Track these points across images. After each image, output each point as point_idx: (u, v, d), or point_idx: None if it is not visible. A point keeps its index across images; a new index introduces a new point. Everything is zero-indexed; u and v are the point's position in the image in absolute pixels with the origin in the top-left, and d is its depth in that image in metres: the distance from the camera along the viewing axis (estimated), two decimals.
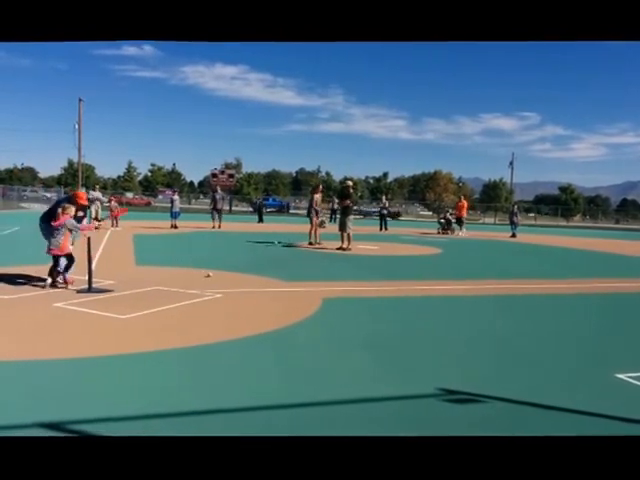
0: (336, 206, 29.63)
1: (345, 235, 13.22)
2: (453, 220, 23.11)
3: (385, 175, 77.47)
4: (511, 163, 51.20)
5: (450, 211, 25.45)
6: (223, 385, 3.73)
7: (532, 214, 58.94)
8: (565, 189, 72.57)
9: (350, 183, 14.92)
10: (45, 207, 9.95)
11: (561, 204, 61.14)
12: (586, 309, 7.17)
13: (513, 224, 23.50)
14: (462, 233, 22.43)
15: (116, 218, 18.29)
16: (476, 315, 6.48)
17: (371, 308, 6.56)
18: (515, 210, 24.68)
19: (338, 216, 15.87)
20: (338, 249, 13.11)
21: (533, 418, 3.32)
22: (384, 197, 27.57)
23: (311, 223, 14.42)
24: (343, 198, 13.78)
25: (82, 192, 9.35)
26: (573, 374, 4.26)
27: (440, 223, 23.26)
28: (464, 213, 23.39)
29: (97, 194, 20.25)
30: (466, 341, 5.12)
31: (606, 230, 38.62)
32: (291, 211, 47.64)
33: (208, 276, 8.10)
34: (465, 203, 23.69)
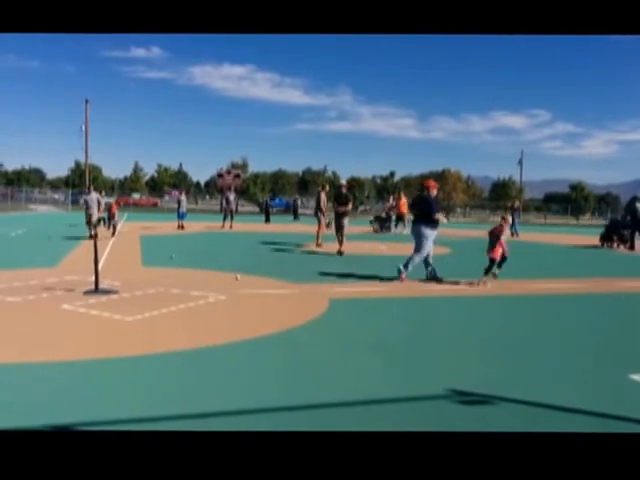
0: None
1: (339, 237, 12.44)
2: (385, 216, 22.01)
3: (392, 174, 77.31)
4: (520, 161, 50.78)
5: (385, 208, 24.34)
6: (231, 385, 3.70)
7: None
8: (575, 187, 71.97)
9: (344, 182, 13.64)
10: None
11: (571, 202, 60.60)
12: (599, 309, 7.06)
13: (513, 222, 22.88)
14: (405, 231, 20.95)
15: (114, 226, 16.13)
16: (486, 315, 6.39)
17: (379, 309, 6.50)
18: (516, 206, 24.10)
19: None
20: (338, 253, 12.20)
21: (545, 418, 3.25)
22: (391, 197, 27.49)
23: (319, 223, 14.35)
24: (344, 203, 12.52)
25: (433, 181, 9.14)
26: (586, 374, 4.19)
27: (371, 222, 21.95)
28: (404, 210, 22.05)
29: (91, 196, 17.22)
30: (476, 341, 5.05)
31: None
32: (298, 211, 47.53)
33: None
34: (404, 199, 22.42)
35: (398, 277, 8.37)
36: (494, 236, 8.44)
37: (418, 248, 8.37)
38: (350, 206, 12.68)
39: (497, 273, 8.38)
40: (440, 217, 8.47)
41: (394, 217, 22.31)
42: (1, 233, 15.94)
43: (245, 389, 3.64)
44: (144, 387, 3.66)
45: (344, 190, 12.84)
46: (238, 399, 3.43)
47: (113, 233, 15.70)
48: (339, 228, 12.53)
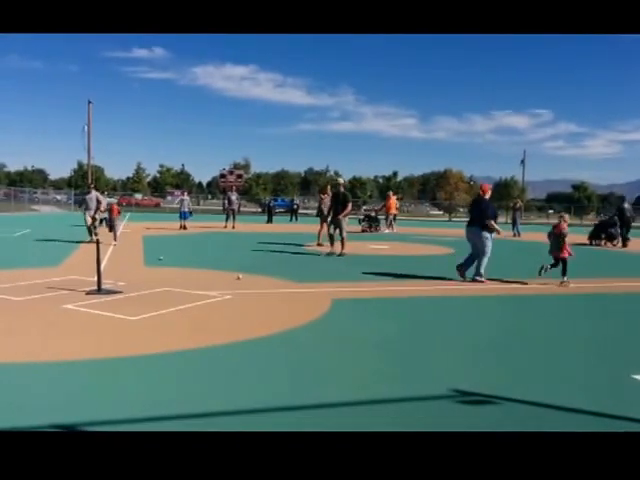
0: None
1: (341, 239, 11.90)
2: (380, 217, 21.97)
3: (395, 174, 77.33)
4: (523, 161, 50.61)
5: (375, 207, 24.35)
6: (234, 385, 3.70)
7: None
8: (578, 187, 71.91)
9: (341, 181, 12.76)
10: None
11: (574, 202, 60.46)
12: (601, 309, 7.04)
13: (515, 222, 22.82)
14: (389, 229, 21.39)
15: (115, 230, 13.75)
16: (489, 315, 6.38)
17: (382, 309, 6.49)
18: (518, 206, 23.93)
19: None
20: (340, 254, 11.73)
21: (546, 418, 3.25)
22: (396, 197, 27.47)
23: (321, 224, 14.36)
24: (343, 206, 11.81)
25: (487, 185, 9.41)
26: (588, 375, 4.18)
27: (360, 221, 21.77)
28: (392, 210, 22.12)
29: (91, 196, 14.29)
30: (480, 341, 5.04)
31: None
32: (300, 211, 47.59)
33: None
34: (393, 200, 22.34)
35: (466, 281, 8.57)
36: (556, 236, 8.55)
37: (483, 251, 8.57)
38: (349, 207, 12.03)
39: (542, 273, 8.52)
40: (492, 224, 8.56)
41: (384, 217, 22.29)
42: (5, 233, 15.99)
43: (248, 389, 3.63)
44: (146, 387, 3.66)
45: (342, 189, 12.25)
46: (240, 399, 3.43)
47: (114, 237, 13.51)
48: (337, 228, 12.00)
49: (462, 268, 8.70)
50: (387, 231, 21.20)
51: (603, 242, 17.43)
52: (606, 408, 3.37)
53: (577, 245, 17.80)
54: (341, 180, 13.00)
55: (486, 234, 8.55)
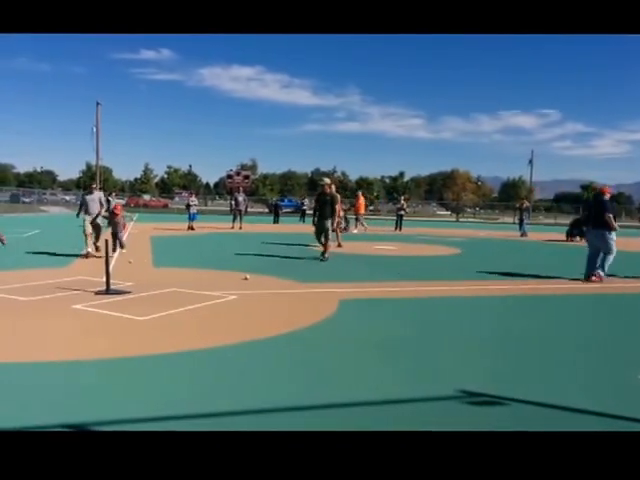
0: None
1: (323, 239, 11.25)
2: (349, 217, 21.87)
3: (401, 174, 77.29)
4: (530, 161, 50.32)
5: (344, 207, 24.52)
6: (241, 385, 3.72)
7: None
8: (587, 187, 71.56)
9: (327, 181, 11.62)
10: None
11: (583, 202, 60.08)
12: (607, 309, 7.00)
13: (522, 222, 22.94)
14: (357, 230, 21.34)
15: (119, 239, 11.39)
16: (495, 316, 6.37)
17: (389, 309, 6.49)
18: (525, 206, 23.91)
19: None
20: (322, 259, 11.10)
21: (552, 418, 3.24)
22: (402, 197, 27.48)
23: (330, 225, 14.30)
24: (332, 207, 11.09)
25: (607, 187, 9.76)
26: (594, 375, 4.16)
27: None
28: (362, 210, 22.23)
29: (92, 196, 11.51)
30: (485, 342, 5.03)
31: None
32: (307, 212, 47.61)
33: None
34: (362, 200, 22.31)
35: (588, 278, 8.92)
36: None
37: (609, 250, 8.90)
38: (338, 208, 11.19)
39: None
40: (611, 219, 8.81)
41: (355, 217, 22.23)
42: (16, 234, 16.14)
43: (255, 389, 3.65)
44: (154, 387, 3.69)
45: (327, 190, 11.24)
46: (248, 399, 3.45)
47: (114, 248, 10.88)
48: (322, 232, 11.20)
49: (591, 273, 8.95)
50: (355, 231, 21.06)
51: (578, 238, 18.66)
52: (613, 410, 3.36)
53: (555, 242, 19.02)
54: (327, 180, 11.80)
55: (611, 235, 8.85)
